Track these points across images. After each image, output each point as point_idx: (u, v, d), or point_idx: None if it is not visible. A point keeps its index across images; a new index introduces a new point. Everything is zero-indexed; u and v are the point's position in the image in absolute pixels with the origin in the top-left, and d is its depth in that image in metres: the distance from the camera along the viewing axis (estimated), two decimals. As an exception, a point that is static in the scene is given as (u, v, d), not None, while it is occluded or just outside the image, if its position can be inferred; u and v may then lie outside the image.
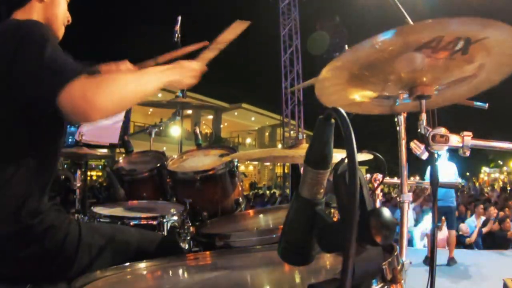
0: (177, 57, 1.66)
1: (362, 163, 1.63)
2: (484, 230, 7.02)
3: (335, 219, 0.65)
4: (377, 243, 0.57)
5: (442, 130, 1.12)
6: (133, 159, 2.63)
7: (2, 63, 1.12)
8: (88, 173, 3.12)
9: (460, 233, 7.06)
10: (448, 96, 1.27)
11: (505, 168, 30.99)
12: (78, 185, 2.90)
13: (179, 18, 2.76)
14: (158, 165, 2.37)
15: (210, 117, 27.41)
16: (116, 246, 1.32)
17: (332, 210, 1.60)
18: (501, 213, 7.69)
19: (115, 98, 1.09)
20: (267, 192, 17.04)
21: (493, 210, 7.53)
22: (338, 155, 0.91)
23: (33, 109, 1.14)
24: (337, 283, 0.55)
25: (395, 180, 1.73)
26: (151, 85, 1.21)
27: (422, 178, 4.24)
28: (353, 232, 0.54)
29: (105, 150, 3.05)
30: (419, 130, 1.16)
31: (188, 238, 1.76)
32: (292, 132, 14.41)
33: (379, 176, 1.62)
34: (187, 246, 1.74)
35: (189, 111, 21.74)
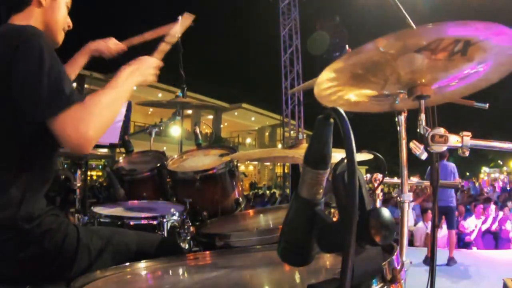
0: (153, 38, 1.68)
1: (361, 163, 1.64)
2: (484, 227, 7.02)
3: (334, 219, 0.65)
4: (376, 243, 0.57)
5: (442, 130, 1.12)
6: (133, 159, 2.63)
7: (2, 64, 1.12)
8: (88, 173, 3.12)
9: (461, 229, 7.06)
10: (446, 94, 1.27)
11: (505, 168, 30.97)
12: (78, 185, 2.90)
13: (179, 18, 2.75)
14: (158, 165, 2.37)
15: (210, 117, 27.41)
16: (115, 248, 1.33)
17: (332, 210, 1.60)
18: (501, 213, 7.69)
19: (103, 126, 1.14)
20: (267, 192, 17.04)
21: (492, 210, 7.53)
22: (338, 155, 0.91)
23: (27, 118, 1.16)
24: (336, 283, 0.55)
25: (395, 180, 1.73)
26: (124, 98, 1.26)
27: (422, 178, 4.23)
28: (352, 232, 0.54)
29: (105, 150, 3.05)
30: (418, 130, 1.16)
31: (188, 238, 1.76)
32: (292, 132, 14.40)
33: (379, 176, 1.62)
34: (187, 246, 1.74)
35: (189, 111, 21.75)
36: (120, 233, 1.42)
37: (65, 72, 1.18)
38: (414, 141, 1.49)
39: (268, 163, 28.20)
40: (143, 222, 1.76)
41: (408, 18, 1.47)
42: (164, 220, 1.77)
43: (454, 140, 1.14)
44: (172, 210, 1.86)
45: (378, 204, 1.77)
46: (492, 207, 7.64)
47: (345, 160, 0.57)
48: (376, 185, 1.61)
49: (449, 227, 5.65)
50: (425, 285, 1.58)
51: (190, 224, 1.82)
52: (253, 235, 1.51)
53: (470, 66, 1.06)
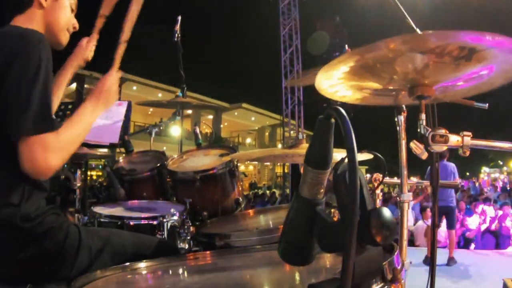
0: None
1: (362, 163, 1.63)
2: (483, 228, 7.03)
3: (335, 219, 0.65)
4: (377, 243, 0.57)
5: (442, 131, 1.12)
6: (133, 159, 2.63)
7: (1, 66, 1.13)
8: (88, 173, 3.11)
9: (466, 223, 7.06)
10: (448, 94, 1.27)
11: (505, 168, 30.97)
12: (78, 185, 2.90)
13: (179, 18, 2.76)
14: (158, 165, 2.37)
15: (210, 117, 27.42)
16: (114, 248, 1.33)
17: (332, 210, 1.60)
18: (500, 212, 7.70)
19: (66, 158, 1.16)
20: (267, 192, 17.04)
21: (492, 210, 7.54)
22: (338, 155, 0.91)
23: None
24: (337, 283, 0.55)
25: (395, 180, 1.73)
26: (88, 131, 1.28)
27: (422, 178, 4.23)
28: (353, 232, 0.54)
29: (105, 150, 3.05)
30: (419, 130, 1.16)
31: (188, 238, 1.76)
32: (292, 132, 14.40)
33: (380, 176, 1.62)
34: (187, 246, 1.74)
35: (189, 111, 21.74)
36: (117, 235, 1.42)
37: (52, 94, 1.20)
38: (415, 141, 1.49)
39: (268, 163, 28.21)
40: (143, 222, 1.76)
41: (408, 18, 1.47)
42: (164, 220, 1.76)
43: (454, 140, 1.14)
44: (172, 210, 1.86)
45: (378, 204, 1.77)
46: (490, 208, 7.65)
47: (346, 160, 0.57)
48: (376, 185, 1.61)
49: (449, 227, 5.65)
50: (425, 285, 1.58)
51: (190, 224, 1.82)
52: (253, 235, 1.51)
53: (474, 71, 1.06)
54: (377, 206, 0.62)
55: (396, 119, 1.59)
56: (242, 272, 1.19)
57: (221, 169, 2.13)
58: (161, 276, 1.16)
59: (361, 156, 1.54)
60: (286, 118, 14.36)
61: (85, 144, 2.79)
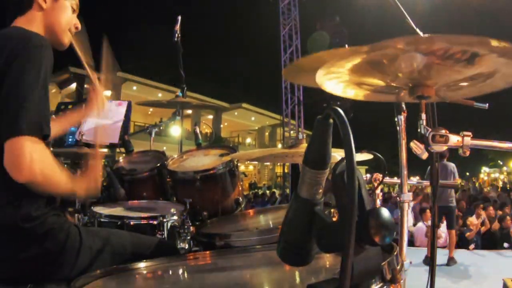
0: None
1: (361, 163, 1.64)
2: (483, 229, 7.02)
3: (334, 219, 0.65)
4: (376, 243, 0.57)
5: (442, 131, 1.12)
6: (133, 158, 2.63)
7: (3, 67, 1.13)
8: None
9: (468, 223, 7.05)
10: (448, 94, 1.27)
11: (505, 168, 30.97)
12: (78, 185, 2.89)
13: (179, 18, 2.76)
14: (158, 164, 2.37)
15: (210, 117, 27.43)
16: (114, 249, 1.33)
17: (332, 210, 1.60)
18: (500, 212, 7.69)
19: (47, 178, 1.12)
20: (267, 192, 17.05)
21: (491, 210, 7.53)
22: (337, 155, 0.91)
23: None
24: (336, 283, 0.55)
25: (395, 180, 1.73)
26: (67, 191, 1.25)
27: (422, 178, 4.23)
28: (352, 232, 0.54)
29: (105, 150, 3.05)
30: (419, 130, 1.16)
31: (188, 238, 1.76)
32: (292, 132, 14.40)
33: (379, 176, 1.62)
34: (187, 246, 1.74)
35: (189, 111, 21.75)
36: (116, 235, 1.42)
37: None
38: (415, 141, 1.49)
39: (268, 163, 28.21)
40: (143, 222, 1.76)
41: (408, 18, 1.47)
42: (164, 220, 1.77)
43: (454, 140, 1.14)
44: (172, 210, 1.86)
45: (378, 204, 1.77)
46: (490, 208, 7.64)
47: (345, 160, 0.57)
48: (376, 185, 1.61)
49: (449, 227, 5.65)
50: (425, 285, 1.58)
51: (190, 224, 1.82)
52: (253, 235, 1.51)
53: (475, 73, 1.06)
54: (377, 206, 0.62)
55: (396, 119, 1.59)
56: (242, 272, 1.19)
57: (221, 169, 2.13)
58: (161, 276, 1.16)
59: (361, 156, 1.54)
60: (286, 118, 14.37)
61: (85, 144, 2.80)
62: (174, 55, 2.76)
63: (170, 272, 1.20)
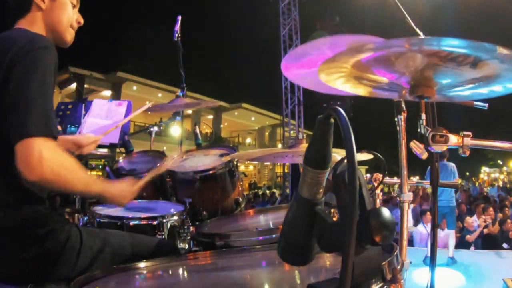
0: None
1: (361, 163, 1.63)
2: (485, 231, 7.02)
3: (335, 219, 0.65)
4: (376, 243, 0.57)
5: (442, 131, 1.12)
6: (133, 158, 2.63)
7: (5, 69, 1.13)
8: (88, 172, 3.12)
9: (465, 225, 7.04)
10: (448, 95, 1.27)
11: (505, 168, 30.98)
12: (78, 185, 2.88)
13: (179, 18, 2.76)
14: (158, 165, 2.37)
15: (210, 117, 27.43)
16: (113, 249, 1.34)
17: (332, 210, 1.60)
18: (500, 215, 7.68)
19: (59, 177, 1.12)
20: (267, 192, 17.05)
21: (491, 211, 7.53)
22: (338, 155, 0.91)
23: None
24: (337, 283, 0.55)
25: (395, 180, 1.73)
26: (86, 191, 1.25)
27: (422, 178, 4.23)
28: (352, 232, 0.54)
29: (105, 150, 3.05)
30: (419, 130, 1.16)
31: (188, 238, 1.76)
32: (292, 132, 14.40)
33: (379, 176, 1.62)
34: (187, 246, 1.74)
35: (189, 111, 21.75)
36: (115, 236, 1.42)
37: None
38: (415, 140, 1.49)
39: (268, 163, 28.20)
40: (143, 222, 1.76)
41: (408, 18, 1.47)
42: (164, 220, 1.77)
43: (454, 140, 1.14)
44: (172, 210, 1.86)
45: (378, 204, 1.77)
46: (491, 208, 7.64)
47: (345, 160, 0.57)
48: (376, 185, 1.61)
49: (449, 227, 5.65)
50: (425, 285, 1.58)
51: (190, 224, 1.82)
52: (253, 235, 1.51)
53: (477, 77, 1.06)
54: (377, 206, 0.62)
55: (396, 119, 1.59)
56: (242, 272, 1.19)
57: (221, 169, 2.13)
58: (161, 276, 1.16)
59: (361, 156, 1.54)
60: (286, 118, 14.36)
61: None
62: (174, 55, 2.76)
63: (170, 272, 1.20)
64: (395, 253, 0.78)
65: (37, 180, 1.08)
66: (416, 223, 7.26)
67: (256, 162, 25.01)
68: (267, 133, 32.84)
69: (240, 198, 2.22)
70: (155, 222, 1.76)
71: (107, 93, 20.98)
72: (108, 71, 20.96)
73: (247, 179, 25.93)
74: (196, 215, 2.06)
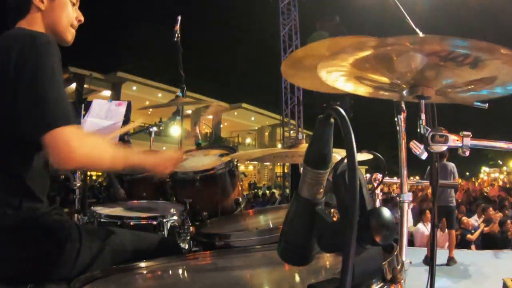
0: None
1: (361, 163, 1.63)
2: (486, 229, 7.02)
3: (335, 219, 0.65)
4: (377, 243, 0.57)
5: (442, 130, 1.12)
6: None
7: (12, 67, 1.13)
8: (88, 173, 3.12)
9: (463, 226, 7.05)
10: (448, 96, 1.27)
11: (505, 168, 30.97)
12: (78, 185, 2.90)
13: (179, 18, 2.76)
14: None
15: (210, 117, 27.41)
16: (113, 248, 1.33)
17: (332, 210, 1.60)
18: (500, 214, 7.69)
19: (92, 159, 1.15)
20: (267, 192, 17.04)
21: (491, 211, 7.54)
22: (338, 155, 0.91)
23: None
24: (337, 283, 0.55)
25: (395, 180, 1.73)
26: (125, 164, 1.26)
27: (422, 178, 4.23)
28: (353, 232, 0.54)
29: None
30: (418, 130, 1.16)
31: (188, 238, 1.76)
32: (292, 132, 14.40)
33: (379, 175, 1.62)
34: (187, 246, 1.74)
35: (189, 111, 21.76)
36: (116, 233, 1.42)
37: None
38: (414, 141, 1.49)
39: (268, 163, 28.20)
40: (143, 222, 1.77)
41: (408, 18, 1.47)
42: (164, 220, 1.77)
43: (454, 140, 1.13)
44: (172, 210, 1.86)
45: (378, 204, 1.77)
46: (491, 208, 7.65)
47: (346, 160, 0.57)
48: (376, 185, 1.61)
49: (449, 227, 5.65)
50: (425, 285, 1.58)
51: (190, 224, 1.82)
52: (253, 235, 1.51)
53: (477, 78, 1.06)
54: (377, 206, 0.62)
55: (396, 119, 1.59)
56: (242, 272, 1.19)
57: (221, 169, 2.13)
58: (161, 276, 1.16)
59: (361, 156, 1.54)
60: (286, 118, 14.36)
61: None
62: (174, 55, 2.76)
63: (170, 272, 1.20)
64: (395, 253, 0.78)
65: (73, 168, 1.11)
66: (415, 223, 7.28)
67: (256, 162, 25.00)
68: (267, 133, 32.84)
69: (240, 198, 2.22)
70: (155, 222, 1.76)
71: (107, 93, 20.99)
72: (108, 71, 20.97)
73: (247, 179, 25.93)
74: (196, 215, 2.06)
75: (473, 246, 6.76)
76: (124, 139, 2.65)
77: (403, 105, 1.58)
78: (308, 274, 1.02)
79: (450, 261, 5.39)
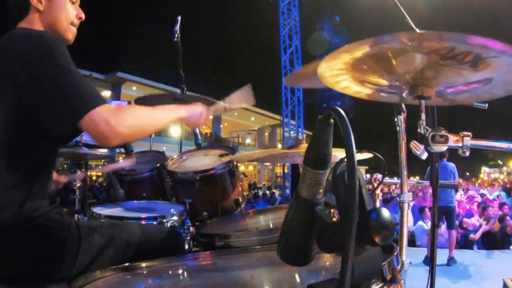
0: None
1: (361, 163, 1.63)
2: (486, 227, 7.02)
3: (334, 219, 0.65)
4: (376, 243, 0.57)
5: (442, 131, 1.12)
6: (133, 159, 2.63)
7: (17, 68, 1.14)
8: (88, 173, 3.12)
9: (465, 226, 7.05)
10: (448, 97, 1.27)
11: (505, 168, 30.95)
12: (78, 185, 2.90)
13: (179, 18, 2.76)
14: (158, 165, 2.37)
15: (210, 117, 27.35)
16: (116, 244, 1.33)
17: (332, 210, 1.60)
18: (499, 212, 7.70)
19: (135, 127, 1.18)
20: (267, 192, 17.04)
21: (491, 210, 7.54)
22: (338, 155, 0.91)
23: (49, 125, 1.18)
24: (336, 283, 0.55)
25: (395, 180, 1.73)
26: (165, 121, 1.32)
27: (422, 178, 4.23)
28: (352, 232, 0.54)
29: (105, 150, 3.05)
30: (418, 130, 1.16)
31: (188, 238, 1.76)
32: (292, 132, 14.41)
33: (379, 176, 1.62)
34: (187, 246, 1.74)
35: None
36: (121, 229, 1.41)
37: None
38: (414, 141, 1.49)
39: (268, 163, 28.20)
40: (143, 222, 1.76)
41: (408, 18, 1.47)
42: (164, 220, 1.77)
43: (454, 140, 1.13)
44: (172, 210, 1.86)
45: (378, 204, 1.77)
46: (490, 207, 7.65)
47: (345, 160, 0.57)
48: (376, 185, 1.61)
49: (449, 227, 5.66)
50: (425, 285, 1.58)
51: (190, 224, 1.82)
52: (253, 235, 1.51)
53: (477, 78, 1.06)
54: (377, 207, 0.62)
55: (396, 119, 1.59)
56: (242, 272, 1.19)
57: (221, 169, 2.13)
58: (161, 276, 1.16)
59: (361, 156, 1.54)
60: (286, 118, 14.37)
61: (85, 144, 2.80)
62: (174, 55, 2.75)
63: (170, 272, 1.20)
64: (395, 253, 0.78)
65: (122, 142, 1.16)
66: (415, 221, 7.28)
67: (256, 163, 24.99)
68: (267, 133, 32.84)
69: (240, 198, 2.22)
70: (155, 222, 1.76)
71: (107, 93, 20.98)
72: (108, 71, 20.96)
73: (247, 180, 25.92)
74: (196, 215, 2.06)
75: (475, 247, 6.76)
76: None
77: (403, 106, 1.58)
78: (308, 274, 1.02)
79: (450, 261, 5.39)
